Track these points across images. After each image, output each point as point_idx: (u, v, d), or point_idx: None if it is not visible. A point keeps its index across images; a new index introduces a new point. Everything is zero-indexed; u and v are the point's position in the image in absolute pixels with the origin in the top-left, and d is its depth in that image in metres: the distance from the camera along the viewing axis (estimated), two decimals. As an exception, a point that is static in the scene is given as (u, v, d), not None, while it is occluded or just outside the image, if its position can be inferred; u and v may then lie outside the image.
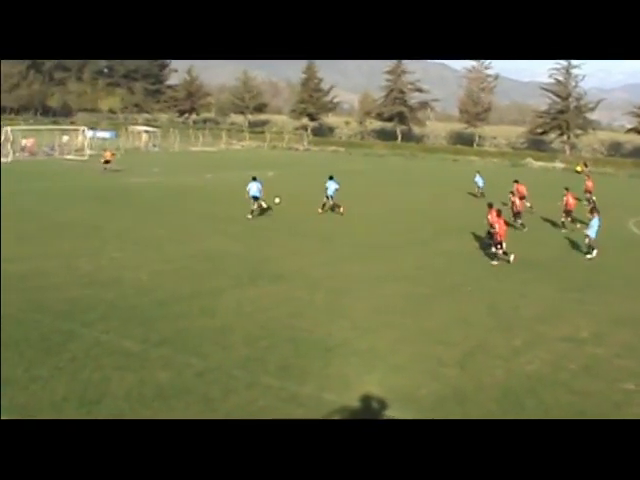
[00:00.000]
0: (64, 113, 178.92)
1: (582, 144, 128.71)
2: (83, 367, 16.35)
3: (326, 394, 15.44)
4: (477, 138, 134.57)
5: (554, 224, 42.43)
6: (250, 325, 20.21)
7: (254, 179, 42.06)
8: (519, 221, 40.85)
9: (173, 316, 20.71)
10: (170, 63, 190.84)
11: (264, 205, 42.55)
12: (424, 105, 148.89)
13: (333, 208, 44.17)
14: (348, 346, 18.89)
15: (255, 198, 41.64)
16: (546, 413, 14.84)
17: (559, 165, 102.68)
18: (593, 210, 39.36)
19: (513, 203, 41.69)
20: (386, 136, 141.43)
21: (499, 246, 30.89)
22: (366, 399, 15.29)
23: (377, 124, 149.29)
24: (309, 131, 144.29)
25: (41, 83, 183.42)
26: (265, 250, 31.33)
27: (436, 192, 59.23)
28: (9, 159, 71.85)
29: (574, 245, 34.63)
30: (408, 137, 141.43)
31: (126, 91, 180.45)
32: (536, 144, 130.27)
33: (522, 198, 45.07)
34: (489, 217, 32.42)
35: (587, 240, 33.40)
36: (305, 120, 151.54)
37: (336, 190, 43.81)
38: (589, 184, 53.98)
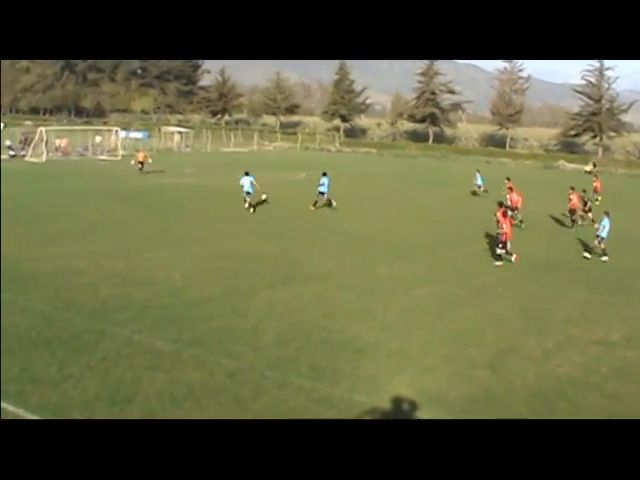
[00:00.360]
0: (97, 114, 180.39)
1: (615, 146, 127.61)
2: (115, 366, 16.43)
3: (357, 395, 15.44)
4: (509, 140, 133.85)
5: (577, 226, 42.33)
6: (281, 326, 20.22)
7: (246, 174, 44.08)
8: (519, 216, 41.87)
9: (205, 316, 20.76)
10: (203, 64, 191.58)
11: (264, 196, 45.21)
12: (456, 107, 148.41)
13: (316, 203, 45.37)
14: (379, 347, 18.86)
15: (248, 192, 43.50)
16: (577, 416, 14.75)
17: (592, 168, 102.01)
18: (589, 210, 41.62)
19: (510, 200, 42.62)
20: (418, 137, 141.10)
21: (501, 245, 30.78)
22: (397, 401, 15.28)
23: (409, 125, 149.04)
24: (341, 132, 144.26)
25: (75, 84, 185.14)
26: (296, 251, 31.35)
27: (468, 193, 58.97)
28: (43, 159, 72.36)
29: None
30: (440, 139, 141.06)
31: (159, 92, 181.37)
32: (568, 146, 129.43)
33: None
34: (497, 214, 32.40)
35: (597, 241, 33.31)
36: (337, 121, 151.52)
37: (329, 186, 45.14)
38: (597, 184, 55.54)
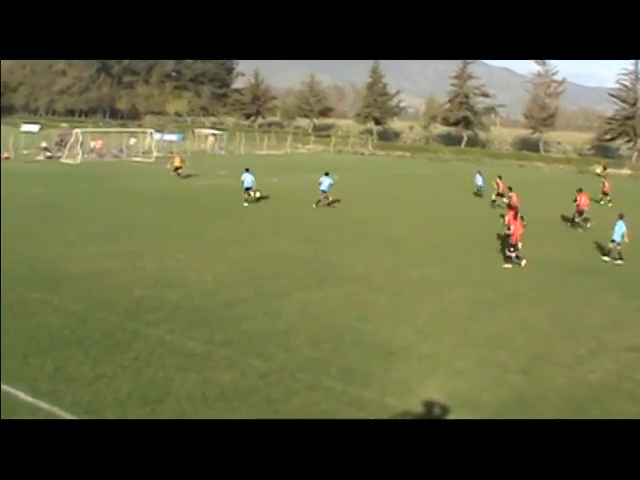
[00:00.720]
0: (132, 116, 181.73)
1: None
2: (147, 366, 16.52)
3: (388, 398, 15.42)
4: (543, 144, 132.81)
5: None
6: (313, 328, 20.24)
7: (247, 170, 47.84)
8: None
9: (237, 317, 20.81)
10: (237, 67, 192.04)
11: (257, 195, 47.65)
12: (489, 110, 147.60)
13: (321, 202, 47.23)
14: (411, 350, 18.83)
15: (248, 188, 47.08)
16: (611, 422, 14.64)
17: (626, 172, 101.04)
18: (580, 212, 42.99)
19: (511, 198, 43.89)
20: (451, 141, 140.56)
21: (512, 248, 30.72)
22: (428, 404, 15.25)
23: (442, 129, 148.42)
24: (374, 135, 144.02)
25: (110, 86, 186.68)
26: (329, 253, 31.35)
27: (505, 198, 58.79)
28: (78, 160, 72.85)
29: (630, 251, 33.79)
30: (473, 142, 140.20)
31: (193, 94, 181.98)
32: (603, 150, 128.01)
33: (501, 195, 50.51)
34: (507, 216, 32.62)
35: (612, 245, 33.44)
36: (370, 124, 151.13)
37: (330, 185, 47.30)
38: (606, 185, 57.10)
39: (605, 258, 33.35)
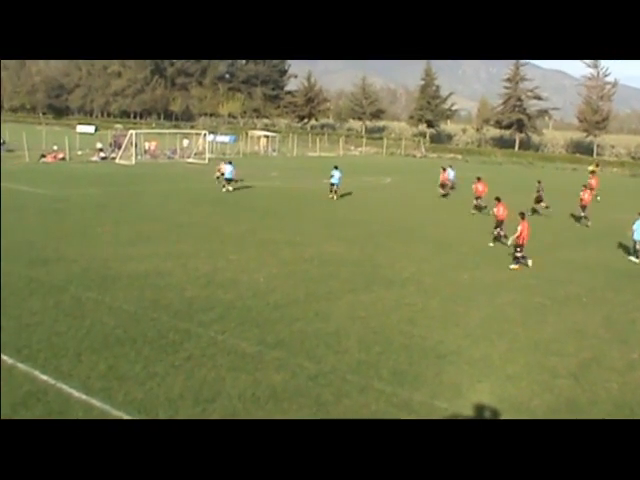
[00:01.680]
0: (185, 117, 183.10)
1: None
2: (199, 366, 16.66)
3: (438, 401, 15.41)
4: (596, 147, 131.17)
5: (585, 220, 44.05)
6: (363, 330, 20.25)
7: (229, 163, 54.21)
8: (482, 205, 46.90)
9: (288, 319, 20.90)
10: (289, 68, 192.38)
11: (230, 188, 52.63)
12: (542, 113, 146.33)
13: (334, 192, 51.44)
14: (461, 354, 18.78)
15: (228, 180, 52.75)
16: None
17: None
18: (540, 201, 48.27)
19: (476, 190, 48.22)
20: (504, 144, 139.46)
21: (519, 249, 30.56)
22: (478, 408, 15.21)
23: (495, 132, 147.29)
24: (427, 138, 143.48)
25: (164, 88, 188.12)
26: (379, 255, 31.35)
27: (553, 201, 58.23)
28: (132, 161, 73.55)
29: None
30: (526, 145, 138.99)
31: (246, 96, 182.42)
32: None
33: (442, 185, 56.57)
34: (495, 209, 36.24)
35: (638, 245, 33.51)
36: (423, 127, 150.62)
37: (340, 178, 51.38)
38: (593, 182, 58.87)
39: (632, 258, 33.15)
